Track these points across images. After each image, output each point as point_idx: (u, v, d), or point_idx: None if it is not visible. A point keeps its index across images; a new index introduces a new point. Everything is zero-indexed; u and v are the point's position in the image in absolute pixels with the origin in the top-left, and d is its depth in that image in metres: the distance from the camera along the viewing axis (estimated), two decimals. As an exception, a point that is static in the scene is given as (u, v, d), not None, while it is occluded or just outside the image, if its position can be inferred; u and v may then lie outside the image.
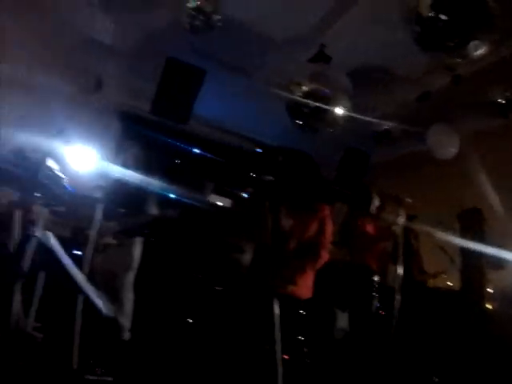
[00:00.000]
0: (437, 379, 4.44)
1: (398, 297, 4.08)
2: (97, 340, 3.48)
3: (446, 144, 5.18)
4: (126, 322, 4.01)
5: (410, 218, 5.57)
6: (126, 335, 4.02)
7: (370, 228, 4.52)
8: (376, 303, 4.53)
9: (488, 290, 6.01)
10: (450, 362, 4.81)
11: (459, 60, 3.28)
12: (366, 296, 4.44)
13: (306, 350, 4.28)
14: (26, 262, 2.59)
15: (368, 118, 5.72)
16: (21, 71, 4.99)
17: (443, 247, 5.76)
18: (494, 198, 5.96)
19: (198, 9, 4.09)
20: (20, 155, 2.76)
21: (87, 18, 4.71)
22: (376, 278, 4.45)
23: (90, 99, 3.25)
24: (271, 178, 3.21)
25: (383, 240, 4.52)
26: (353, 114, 4.71)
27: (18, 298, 2.58)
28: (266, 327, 2.98)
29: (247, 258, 5.10)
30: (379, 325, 4.23)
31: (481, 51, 3.03)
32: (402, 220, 4.27)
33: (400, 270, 4.16)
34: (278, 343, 2.89)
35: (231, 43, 4.82)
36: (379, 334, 4.06)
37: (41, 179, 2.70)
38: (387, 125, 5.75)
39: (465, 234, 6.14)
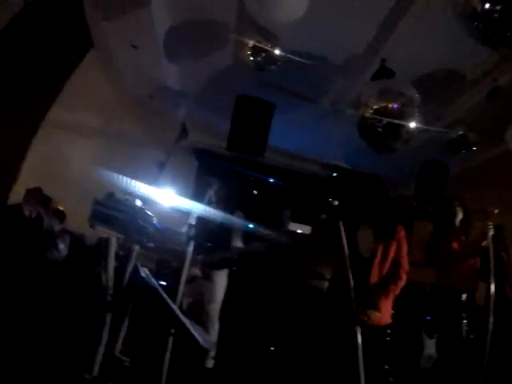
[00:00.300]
0: None
1: (491, 318, 3.76)
2: (182, 366, 3.60)
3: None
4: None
5: (496, 228, 5.22)
6: (210, 363, 4.20)
7: (455, 245, 4.26)
8: (466, 327, 4.27)
9: None
10: None
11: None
12: (455, 320, 4.17)
13: (391, 379, 4.14)
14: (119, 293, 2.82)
15: (440, 128, 5.58)
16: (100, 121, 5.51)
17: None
18: None
19: (257, 46, 4.30)
20: (112, 199, 3.00)
21: (157, 68, 5.06)
22: (464, 299, 4.17)
23: (175, 144, 3.48)
24: (337, 202, 3.15)
25: (471, 257, 4.24)
26: (427, 126, 4.60)
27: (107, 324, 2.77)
28: (349, 356, 2.93)
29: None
30: (470, 351, 3.93)
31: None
32: (490, 233, 3.95)
33: (492, 289, 3.84)
34: (361, 373, 2.80)
35: (295, 73, 4.95)
36: (470, 361, 3.76)
37: (138, 220, 2.91)
38: (461, 130, 5.51)
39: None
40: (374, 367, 3.01)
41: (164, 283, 4.11)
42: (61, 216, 5.98)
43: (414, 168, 6.36)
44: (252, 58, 4.40)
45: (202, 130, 6.55)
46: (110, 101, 5.74)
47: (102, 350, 2.73)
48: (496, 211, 3.99)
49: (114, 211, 2.85)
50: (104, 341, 2.77)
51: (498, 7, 2.78)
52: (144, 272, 2.83)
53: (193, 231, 3.66)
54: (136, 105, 5.73)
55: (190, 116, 6.05)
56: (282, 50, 4.41)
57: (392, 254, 3.32)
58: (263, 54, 4.37)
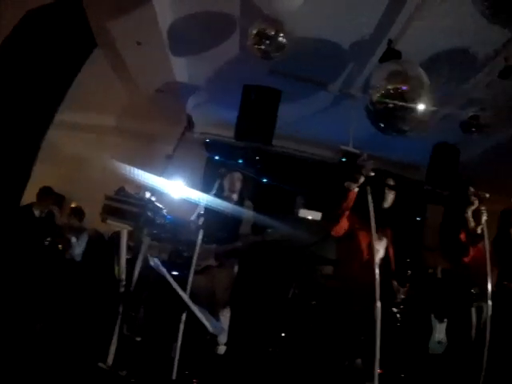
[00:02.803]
0: None
1: (489, 303, 3.69)
2: (194, 353, 3.66)
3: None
4: (221, 337, 4.26)
5: (507, 213, 5.09)
6: (222, 349, 4.29)
7: (463, 236, 4.19)
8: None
9: None
10: None
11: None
12: (464, 305, 4.16)
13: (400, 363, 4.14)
14: (132, 284, 2.88)
15: (451, 109, 5.49)
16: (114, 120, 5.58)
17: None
18: None
19: (261, 33, 4.28)
20: (122, 193, 3.05)
21: (164, 63, 5.10)
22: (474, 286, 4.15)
23: (183, 136, 3.53)
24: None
25: (472, 245, 4.18)
26: (436, 108, 4.53)
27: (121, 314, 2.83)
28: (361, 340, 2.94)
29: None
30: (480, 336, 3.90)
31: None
32: (484, 218, 3.86)
33: (489, 274, 3.75)
34: (376, 356, 2.79)
35: (303, 60, 4.96)
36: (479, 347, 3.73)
37: (147, 213, 2.96)
38: (472, 111, 5.42)
39: None
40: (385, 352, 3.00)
41: (176, 273, 4.18)
42: (79, 214, 6.08)
43: (427, 151, 6.29)
44: (258, 47, 4.38)
45: (211, 121, 6.61)
46: (119, 98, 5.80)
47: (115, 339, 2.80)
48: (487, 195, 3.89)
49: (123, 205, 2.93)
50: (118, 330, 2.84)
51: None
52: (153, 261, 2.89)
53: (202, 221, 3.69)
54: (145, 100, 5.78)
55: (199, 108, 6.10)
56: (288, 36, 4.38)
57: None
58: (268, 42, 4.34)
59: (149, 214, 3.00)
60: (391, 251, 3.42)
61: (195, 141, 6.68)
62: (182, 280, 3.16)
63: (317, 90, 5.67)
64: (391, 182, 3.38)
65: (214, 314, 4.18)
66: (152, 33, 4.58)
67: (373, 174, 3.06)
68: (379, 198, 3.28)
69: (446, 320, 5.04)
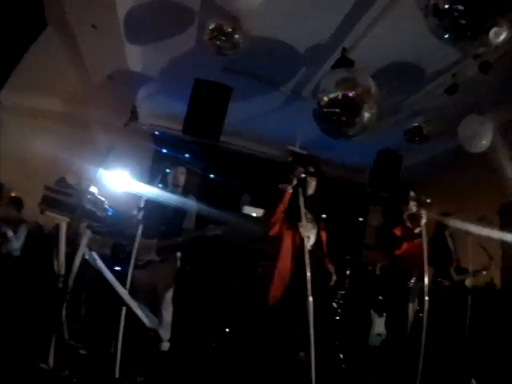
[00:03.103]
0: (475, 382, 4.34)
1: (426, 298, 3.95)
2: (137, 350, 3.64)
3: (477, 137, 5.07)
4: (165, 333, 4.21)
5: (444, 215, 5.51)
6: (165, 346, 4.22)
7: (398, 231, 4.43)
8: (415, 306, 4.47)
9: None
10: (491, 362, 4.72)
11: (482, 49, 3.23)
12: (401, 300, 4.36)
13: (341, 355, 4.30)
14: (71, 280, 2.80)
15: (398, 118, 5.73)
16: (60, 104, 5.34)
17: (481, 244, 5.63)
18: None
19: (218, 29, 4.26)
20: (62, 183, 2.96)
21: (118, 49, 4.96)
22: (412, 281, 4.36)
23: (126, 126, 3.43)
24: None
25: (406, 241, 4.42)
26: (382, 116, 4.70)
27: (63, 312, 2.75)
28: (301, 335, 3.02)
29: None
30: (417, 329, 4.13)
31: (503, 37, 2.98)
32: (423, 221, 4.14)
33: (426, 271, 4.02)
34: (312, 349, 2.89)
35: (258, 59, 5.01)
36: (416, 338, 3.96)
37: (85, 204, 2.88)
38: (417, 122, 5.69)
39: (506, 229, 6.00)
40: (325, 345, 3.10)
41: (119, 268, 4.10)
42: (18, 204, 5.65)
43: (372, 156, 6.50)
44: (214, 42, 4.35)
45: (161, 113, 6.50)
46: (67, 82, 5.57)
47: (56, 339, 2.72)
48: (428, 200, 4.14)
49: (63, 196, 2.84)
50: (58, 329, 2.76)
51: (461, 7, 2.83)
52: (90, 255, 2.82)
53: (141, 214, 3.63)
54: (94, 87, 5.58)
55: (150, 99, 5.97)
56: (245, 34, 4.39)
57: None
58: (224, 38, 4.33)
59: (88, 206, 2.92)
60: (323, 237, 3.52)
61: (143, 132, 6.55)
62: (124, 275, 3.11)
63: (269, 90, 5.71)
64: (312, 169, 3.49)
65: (156, 309, 4.16)
66: (109, 17, 4.43)
67: (303, 175, 3.15)
68: (303, 186, 3.37)
69: (384, 314, 5.26)
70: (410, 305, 4.37)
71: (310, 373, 2.87)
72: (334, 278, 3.41)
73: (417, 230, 4.26)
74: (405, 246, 4.31)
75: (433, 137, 5.77)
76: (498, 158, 5.38)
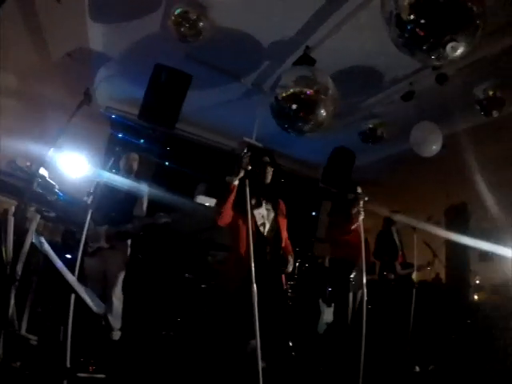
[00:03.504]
0: (418, 368, 4.60)
1: (364, 290, 4.11)
2: (89, 340, 3.59)
3: (428, 142, 5.30)
4: (115, 322, 4.18)
5: (392, 213, 5.81)
6: (117, 335, 4.19)
7: (340, 224, 4.65)
8: (359, 297, 4.65)
9: (476, 281, 6.22)
10: (434, 350, 5.01)
11: (438, 61, 3.36)
12: (343, 290, 4.54)
13: (290, 343, 4.42)
14: (20, 267, 2.72)
15: (354, 119, 5.89)
16: (16, 81, 5.08)
17: (426, 241, 5.92)
18: (481, 194, 6.13)
19: (182, 16, 4.22)
20: (13, 165, 2.87)
21: (80, 27, 4.80)
22: (354, 273, 4.53)
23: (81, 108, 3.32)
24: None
25: (343, 235, 4.61)
26: (337, 115, 4.82)
27: (12, 301, 2.68)
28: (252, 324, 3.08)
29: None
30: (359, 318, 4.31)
31: (459, 52, 3.11)
32: (361, 217, 4.35)
33: (364, 264, 4.19)
34: (257, 337, 2.94)
35: (221, 49, 5.00)
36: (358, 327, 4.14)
37: (34, 188, 2.79)
38: (371, 124, 5.87)
39: (451, 228, 6.32)
40: (276, 333, 3.16)
41: (69, 256, 4.01)
42: None
43: (327, 153, 6.62)
44: (177, 28, 4.31)
45: (119, 97, 6.33)
46: (23, 56, 5.28)
47: (5, 329, 2.64)
48: (366, 198, 4.35)
49: (11, 178, 2.75)
50: (6, 318, 2.68)
51: (422, 20, 2.92)
52: (37, 239, 2.75)
53: (91, 200, 3.56)
54: (52, 64, 5.35)
55: (109, 81, 5.81)
56: (209, 23, 4.38)
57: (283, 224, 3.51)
58: (188, 25, 4.30)
59: (38, 189, 2.84)
60: (282, 223, 3.58)
61: (100, 115, 6.40)
62: (75, 263, 3.05)
63: (229, 81, 5.70)
64: (267, 159, 3.57)
65: (107, 297, 4.12)
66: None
67: (250, 167, 3.22)
68: (261, 176, 3.43)
69: (333, 304, 5.43)
70: (351, 294, 4.55)
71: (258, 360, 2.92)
72: (291, 265, 3.44)
73: (353, 226, 4.48)
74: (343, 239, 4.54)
75: (386, 139, 5.98)
76: (451, 163, 5.65)
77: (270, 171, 3.54)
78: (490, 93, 4.80)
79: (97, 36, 5.04)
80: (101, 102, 6.21)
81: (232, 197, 3.26)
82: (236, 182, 3.23)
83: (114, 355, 3.84)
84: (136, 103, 4.96)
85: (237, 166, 3.21)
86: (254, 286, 3.02)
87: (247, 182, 3.22)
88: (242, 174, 3.21)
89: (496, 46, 4.36)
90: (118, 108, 6.45)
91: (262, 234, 3.33)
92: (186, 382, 3.34)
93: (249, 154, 3.22)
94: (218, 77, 5.60)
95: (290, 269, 3.42)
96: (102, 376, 3.18)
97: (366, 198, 4.39)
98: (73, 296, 2.94)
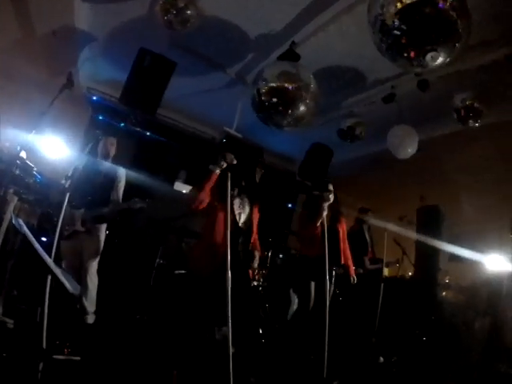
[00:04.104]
0: (382, 359, 4.80)
1: (329, 284, 4.30)
2: (64, 323, 3.61)
3: (404, 144, 5.43)
4: (90, 305, 4.21)
5: (364, 210, 5.97)
6: (91, 318, 4.22)
7: (306, 219, 4.78)
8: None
9: (445, 280, 6.46)
10: (398, 342, 5.20)
11: (418, 69, 3.44)
12: (305, 283, 4.68)
13: (261, 330, 4.52)
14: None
15: (334, 116, 5.98)
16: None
17: (396, 240, 6.09)
18: (454, 198, 6.34)
19: (170, 3, 4.21)
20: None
21: (67, 5, 4.72)
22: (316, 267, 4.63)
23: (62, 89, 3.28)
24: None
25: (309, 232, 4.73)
26: (316, 113, 4.89)
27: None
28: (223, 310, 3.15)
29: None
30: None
31: (438, 62, 3.19)
32: (324, 213, 4.55)
33: (327, 258, 4.27)
34: (229, 323, 3.01)
35: (208, 38, 4.99)
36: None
37: (13, 170, 2.78)
38: (351, 122, 5.98)
39: (423, 228, 6.51)
40: (245, 321, 3.24)
41: (45, 239, 3.99)
42: None
43: (305, 148, 6.70)
44: (164, 15, 4.28)
45: (102, 79, 6.23)
46: (8, 33, 5.13)
47: None
48: (331, 196, 4.61)
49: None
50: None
51: (406, 27, 2.99)
52: (16, 221, 2.74)
53: (69, 183, 3.54)
54: (37, 41, 5.21)
55: (92, 62, 5.72)
56: (197, 12, 4.35)
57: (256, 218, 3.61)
58: (175, 13, 4.27)
59: (16, 171, 2.83)
60: (256, 218, 3.64)
61: (81, 98, 6.28)
62: (50, 246, 3.05)
63: (213, 70, 5.70)
64: (258, 160, 3.66)
65: (82, 280, 4.13)
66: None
67: (235, 162, 3.27)
68: (250, 175, 3.54)
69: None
70: (313, 283, 4.66)
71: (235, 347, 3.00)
72: (256, 261, 3.52)
73: (318, 223, 4.62)
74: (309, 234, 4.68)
75: (364, 138, 6.09)
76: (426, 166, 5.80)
77: (259, 172, 3.61)
78: (468, 103, 4.98)
79: (83, 15, 4.95)
80: (83, 83, 6.11)
81: (210, 185, 3.32)
82: (218, 172, 3.30)
83: (89, 338, 3.86)
84: (118, 86, 4.91)
85: (221, 158, 3.27)
86: (229, 272, 3.10)
87: (229, 174, 3.28)
88: (224, 165, 3.28)
89: (478, 60, 4.54)
90: (100, 90, 6.35)
91: (237, 223, 3.42)
92: (158, 366, 3.38)
93: (233, 148, 3.29)
94: (203, 65, 5.59)
95: (256, 265, 3.52)
96: (77, 358, 3.20)
97: (331, 197, 4.60)
98: (49, 278, 2.94)
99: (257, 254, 3.49)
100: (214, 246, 3.31)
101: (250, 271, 3.55)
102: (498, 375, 4.21)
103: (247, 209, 3.55)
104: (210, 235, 3.40)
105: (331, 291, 4.79)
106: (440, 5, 2.88)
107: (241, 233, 3.42)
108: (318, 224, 4.63)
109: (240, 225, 3.44)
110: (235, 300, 3.10)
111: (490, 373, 4.26)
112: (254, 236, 3.61)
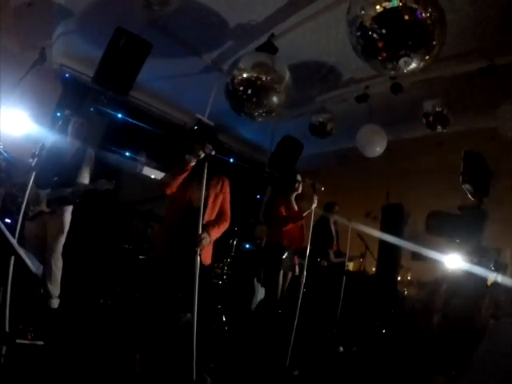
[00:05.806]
0: (342, 349, 4.96)
1: (304, 273, 4.42)
2: (27, 307, 3.56)
3: (373, 143, 5.55)
4: (54, 289, 4.12)
5: (330, 204, 6.08)
6: (55, 302, 4.14)
7: (283, 210, 4.78)
8: (289, 277, 4.88)
9: (407, 277, 6.67)
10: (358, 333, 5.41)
11: (391, 72, 3.51)
12: (274, 270, 4.72)
13: (224, 317, 4.56)
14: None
15: (306, 111, 6.03)
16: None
17: (360, 235, 6.24)
18: (417, 198, 6.53)
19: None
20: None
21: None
22: (285, 255, 4.71)
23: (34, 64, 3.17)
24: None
25: (293, 222, 4.80)
26: (291, 106, 4.93)
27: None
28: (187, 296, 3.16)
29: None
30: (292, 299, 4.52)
31: (411, 68, 3.26)
32: (313, 206, 4.56)
33: (307, 251, 4.46)
34: (195, 310, 3.02)
35: (187, 23, 4.94)
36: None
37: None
38: (323, 118, 6.05)
39: (387, 226, 6.68)
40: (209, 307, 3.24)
41: (9, 221, 3.87)
42: None
43: (277, 140, 6.75)
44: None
45: (76, 55, 6.02)
46: None
47: None
48: (322, 188, 4.57)
49: None
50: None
51: (383, 30, 3.04)
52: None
53: (35, 162, 3.44)
54: (12, 11, 4.98)
55: (67, 38, 5.52)
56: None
57: (219, 201, 3.59)
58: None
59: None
60: (219, 199, 3.64)
61: (52, 73, 6.08)
62: (13, 228, 2.97)
63: (189, 55, 5.62)
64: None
65: (46, 263, 4.04)
66: None
67: (214, 153, 3.27)
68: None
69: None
70: (281, 272, 4.71)
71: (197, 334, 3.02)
72: (202, 244, 3.32)
73: (305, 213, 4.70)
74: (290, 225, 4.72)
75: (334, 134, 6.18)
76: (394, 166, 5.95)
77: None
78: (438, 109, 5.14)
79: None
80: (56, 59, 5.91)
81: (185, 174, 3.30)
82: (193, 163, 3.28)
83: (53, 322, 3.81)
84: (92, 64, 4.82)
85: (199, 148, 3.25)
86: (198, 257, 3.12)
87: (206, 164, 3.27)
88: (202, 155, 3.26)
89: (451, 69, 4.72)
90: (73, 67, 6.14)
91: (192, 204, 3.37)
92: (122, 351, 3.38)
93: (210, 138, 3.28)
94: (179, 49, 5.50)
95: (204, 244, 3.36)
96: (41, 343, 3.16)
97: (323, 188, 4.58)
98: (12, 259, 2.88)
99: (205, 235, 3.41)
100: (171, 226, 3.32)
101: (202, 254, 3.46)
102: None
103: (203, 190, 3.53)
104: (168, 216, 3.42)
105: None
106: (419, 14, 2.94)
107: (196, 213, 3.33)
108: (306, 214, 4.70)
109: (194, 205, 3.38)
110: (186, 280, 3.13)
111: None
112: (207, 218, 3.56)
